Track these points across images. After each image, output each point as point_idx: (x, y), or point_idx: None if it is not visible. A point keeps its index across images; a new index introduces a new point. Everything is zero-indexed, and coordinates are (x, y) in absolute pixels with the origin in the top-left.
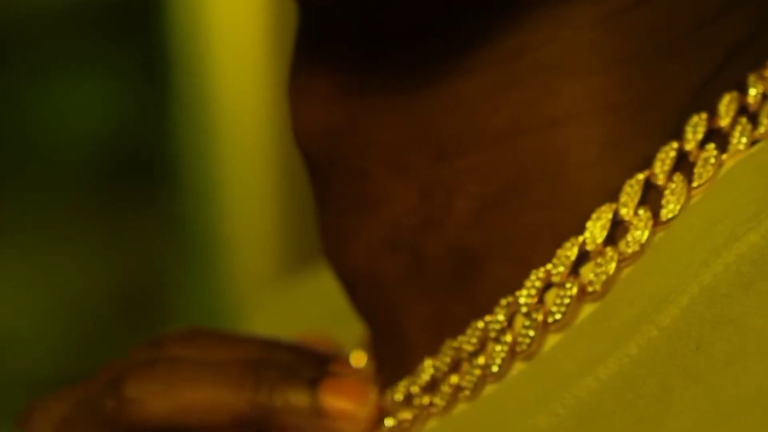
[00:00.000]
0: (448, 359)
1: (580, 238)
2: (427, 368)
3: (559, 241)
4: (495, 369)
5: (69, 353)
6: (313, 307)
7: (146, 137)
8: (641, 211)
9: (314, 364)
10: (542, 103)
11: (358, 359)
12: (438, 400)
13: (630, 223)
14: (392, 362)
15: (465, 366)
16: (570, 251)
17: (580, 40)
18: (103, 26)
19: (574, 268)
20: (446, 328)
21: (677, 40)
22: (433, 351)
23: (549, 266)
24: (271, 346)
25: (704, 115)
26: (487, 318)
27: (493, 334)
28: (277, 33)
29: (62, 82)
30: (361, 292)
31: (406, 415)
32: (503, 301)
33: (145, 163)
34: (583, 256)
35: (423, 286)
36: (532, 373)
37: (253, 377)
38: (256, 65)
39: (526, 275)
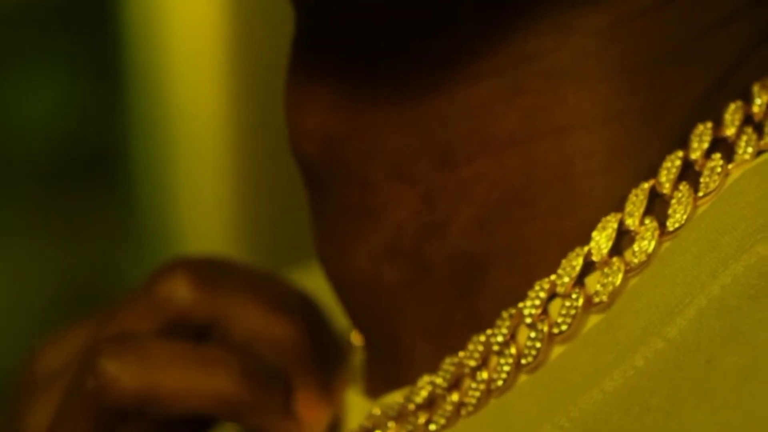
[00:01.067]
0: (448, 376)
1: (586, 248)
2: (425, 385)
3: (564, 251)
4: (500, 383)
5: (22, 351)
6: None
7: (100, 133)
8: (647, 221)
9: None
10: (548, 111)
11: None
12: (438, 418)
13: (636, 232)
14: (386, 370)
15: (467, 382)
16: (575, 261)
17: (585, 48)
18: (56, 22)
19: (579, 279)
20: (446, 335)
21: (682, 48)
22: (431, 360)
23: (553, 276)
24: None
25: (709, 124)
26: (489, 331)
27: (496, 348)
28: (232, 29)
29: (15, 78)
30: (357, 300)
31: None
32: (505, 313)
33: (99, 159)
34: (589, 266)
35: (424, 294)
36: (536, 384)
37: (238, 365)
38: (210, 61)
39: (530, 285)
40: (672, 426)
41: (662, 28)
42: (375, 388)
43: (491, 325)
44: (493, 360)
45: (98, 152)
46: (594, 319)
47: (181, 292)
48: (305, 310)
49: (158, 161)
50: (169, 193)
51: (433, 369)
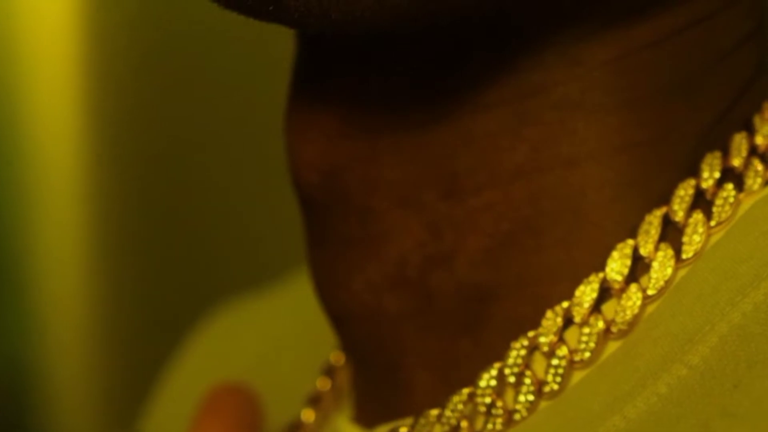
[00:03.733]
0: (457, 413)
1: (601, 275)
2: (434, 420)
3: (575, 281)
4: (519, 417)
5: None
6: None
7: None
8: (662, 248)
9: None
10: (557, 143)
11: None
12: None
13: (650, 259)
14: (383, 399)
15: (480, 419)
16: (592, 288)
17: (593, 81)
18: None
19: (596, 306)
20: (450, 365)
21: (687, 81)
22: (433, 390)
23: (566, 304)
24: None
25: (718, 154)
26: (498, 364)
27: (512, 379)
28: (87, 35)
29: None
30: (355, 329)
31: None
32: (517, 344)
33: None
34: (604, 293)
35: (428, 324)
36: (555, 413)
37: None
38: (63, 73)
39: (541, 314)
40: None
41: (668, 60)
42: (368, 417)
43: (498, 356)
44: (510, 392)
45: None
46: (612, 347)
47: None
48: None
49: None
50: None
51: (435, 398)
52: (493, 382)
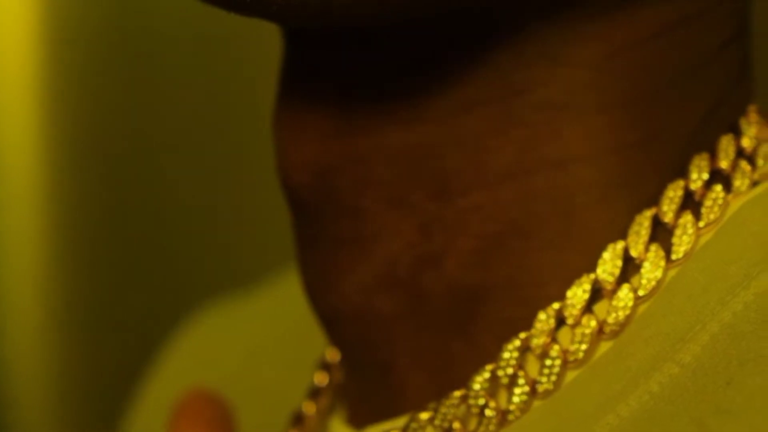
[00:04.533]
0: (450, 416)
1: (592, 276)
2: (426, 425)
3: (566, 282)
4: (513, 417)
5: None
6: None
7: None
8: (652, 249)
9: None
10: (543, 144)
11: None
12: None
13: (641, 260)
14: (375, 400)
15: (473, 420)
16: (584, 289)
17: (578, 81)
18: None
19: (588, 307)
20: (442, 365)
21: (672, 82)
22: (425, 390)
23: (557, 305)
24: None
25: (706, 156)
26: (490, 366)
27: (505, 381)
28: (45, 33)
29: None
30: (347, 330)
31: None
32: (510, 345)
33: None
34: (595, 294)
35: (419, 324)
36: (549, 412)
37: None
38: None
39: (533, 315)
40: None
41: (652, 62)
42: (360, 417)
43: (490, 356)
44: (503, 393)
45: None
46: (603, 347)
47: None
48: None
49: None
50: None
51: (427, 398)
52: (486, 384)
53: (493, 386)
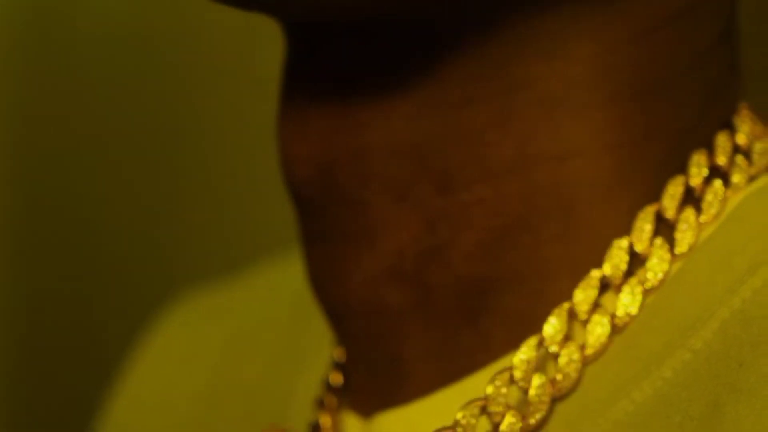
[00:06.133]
0: (474, 420)
1: (600, 272)
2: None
3: (573, 275)
4: (533, 420)
5: None
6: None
7: None
8: (657, 243)
9: None
10: (543, 139)
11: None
12: None
13: (646, 254)
14: (381, 389)
15: (485, 422)
16: (592, 285)
17: (575, 77)
18: None
19: (596, 302)
20: (450, 357)
21: (668, 78)
22: (433, 380)
23: (567, 305)
24: None
25: (704, 152)
26: (505, 373)
27: (523, 384)
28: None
29: None
30: (354, 323)
31: None
32: (531, 341)
33: None
34: (603, 289)
35: (428, 316)
36: (561, 405)
37: None
38: None
39: (541, 308)
40: (714, 426)
41: (648, 57)
42: (365, 406)
43: (499, 348)
44: (517, 395)
45: None
46: (613, 340)
47: None
48: None
49: None
50: None
51: (433, 390)
52: (503, 393)
53: (511, 387)
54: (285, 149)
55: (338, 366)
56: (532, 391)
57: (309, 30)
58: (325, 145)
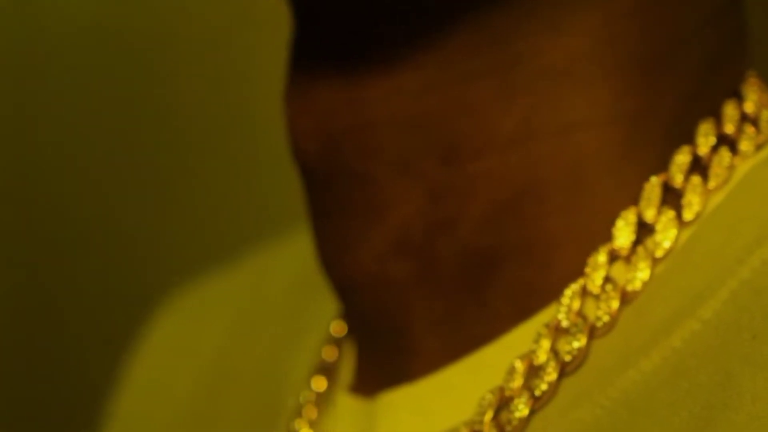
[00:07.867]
0: (491, 411)
1: (609, 245)
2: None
3: (581, 246)
4: (538, 393)
5: None
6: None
7: None
8: (665, 212)
9: None
10: (548, 111)
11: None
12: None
13: (654, 224)
14: (386, 366)
15: (513, 403)
16: (601, 258)
17: (579, 49)
18: None
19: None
20: (456, 330)
21: (672, 47)
22: (439, 355)
23: (582, 280)
24: None
25: (711, 120)
26: (526, 352)
27: (538, 362)
28: None
29: None
30: (362, 297)
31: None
32: (544, 330)
33: None
34: (613, 259)
35: (433, 288)
36: (570, 376)
37: None
38: None
39: (547, 278)
40: (729, 396)
41: (651, 27)
42: (369, 386)
43: (505, 319)
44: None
45: None
46: (623, 310)
47: None
48: None
49: None
50: None
51: (440, 363)
52: (518, 381)
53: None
54: (291, 124)
55: (334, 340)
56: (549, 376)
57: (314, 4)
58: (330, 119)
